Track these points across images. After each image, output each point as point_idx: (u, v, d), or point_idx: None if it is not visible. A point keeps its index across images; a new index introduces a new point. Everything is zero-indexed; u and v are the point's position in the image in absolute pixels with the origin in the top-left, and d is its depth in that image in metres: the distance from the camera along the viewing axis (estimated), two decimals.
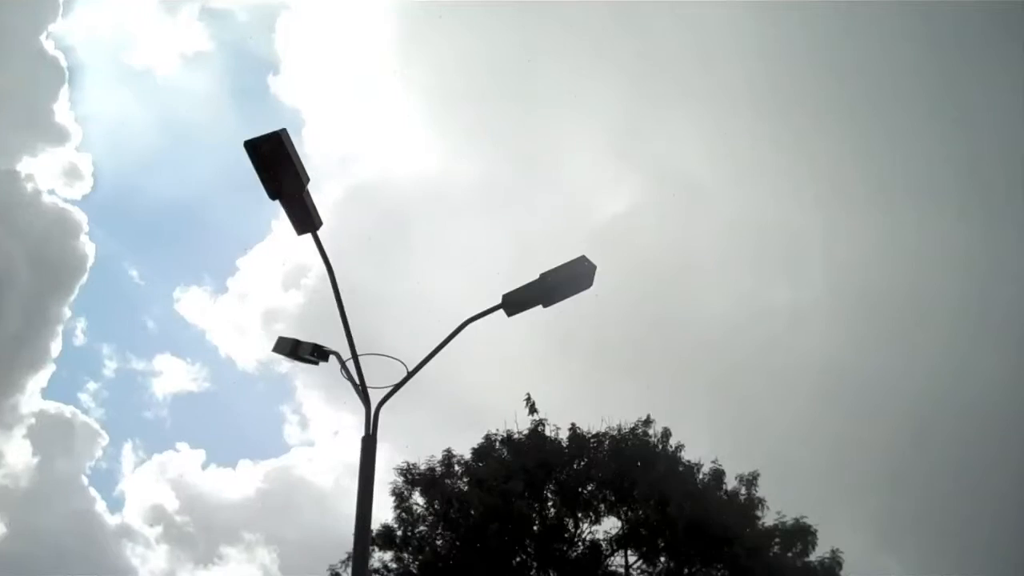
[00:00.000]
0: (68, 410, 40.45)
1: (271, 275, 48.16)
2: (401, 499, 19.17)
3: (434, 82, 42.40)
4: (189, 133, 46.30)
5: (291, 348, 8.24)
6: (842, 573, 17.54)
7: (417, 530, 19.12)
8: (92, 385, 49.55)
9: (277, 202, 6.99)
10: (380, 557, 18.92)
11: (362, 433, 7.56)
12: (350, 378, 7.78)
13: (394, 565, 18.87)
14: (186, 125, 46.00)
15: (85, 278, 38.40)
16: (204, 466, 46.80)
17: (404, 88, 43.42)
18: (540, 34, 39.35)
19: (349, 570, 14.87)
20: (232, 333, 48.63)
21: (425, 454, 19.77)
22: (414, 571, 18.54)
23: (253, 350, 45.69)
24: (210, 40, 46.68)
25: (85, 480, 40.81)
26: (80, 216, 37.59)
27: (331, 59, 45.17)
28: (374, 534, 18.13)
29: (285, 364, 42.04)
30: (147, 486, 42.99)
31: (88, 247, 38.35)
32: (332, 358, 8.16)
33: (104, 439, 41.14)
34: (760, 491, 18.65)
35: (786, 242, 41.60)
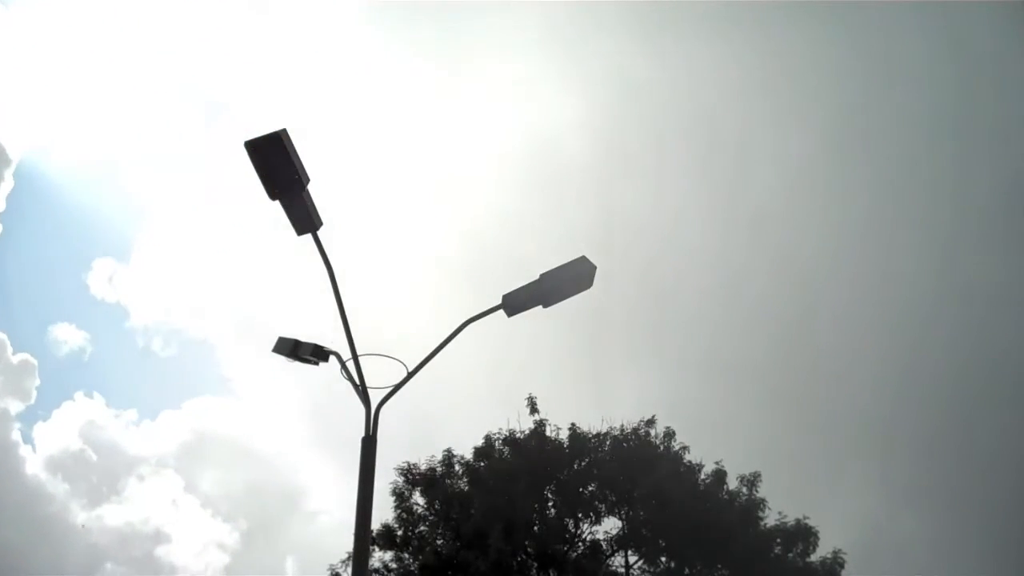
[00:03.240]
0: None
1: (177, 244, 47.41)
2: (401, 499, 19.19)
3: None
4: (103, 95, 45.20)
5: (291, 348, 8.22)
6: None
7: (417, 530, 19.13)
8: None
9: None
10: (380, 557, 18.97)
11: (362, 434, 7.57)
12: (350, 378, 7.77)
13: (394, 565, 18.89)
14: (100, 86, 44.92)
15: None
16: (116, 417, 46.59)
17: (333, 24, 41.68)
18: None
19: (349, 570, 14.86)
20: (142, 297, 48.42)
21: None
22: (414, 571, 18.54)
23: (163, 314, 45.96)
24: None
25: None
26: None
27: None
28: (374, 534, 18.14)
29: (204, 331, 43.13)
30: (56, 432, 42.86)
31: None
32: (332, 359, 8.16)
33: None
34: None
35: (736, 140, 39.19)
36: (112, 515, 36.60)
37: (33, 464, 38.61)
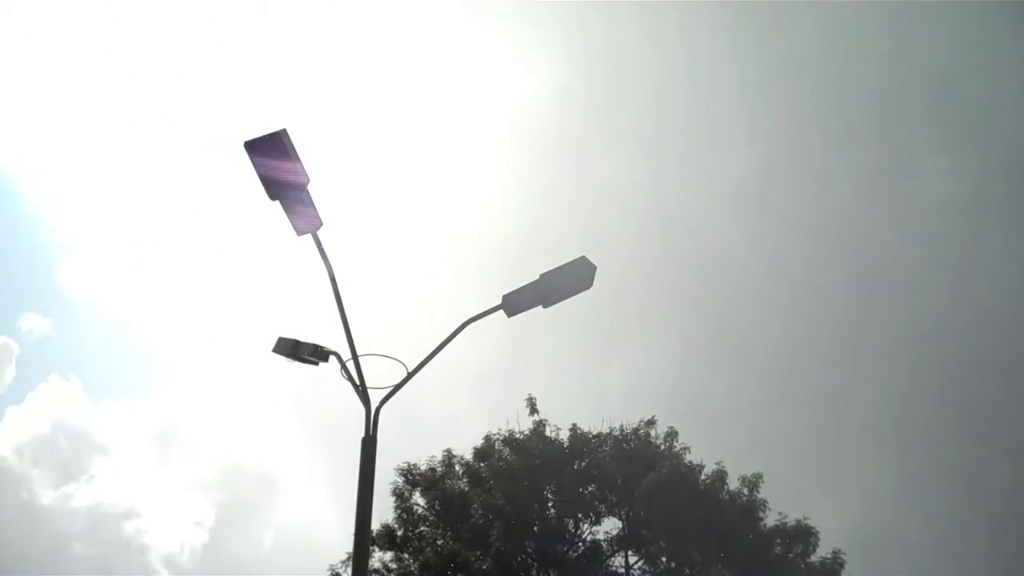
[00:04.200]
0: None
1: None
2: (401, 499, 19.18)
3: None
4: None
5: (291, 349, 8.20)
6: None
7: (417, 530, 19.13)
8: None
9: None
10: (380, 557, 18.95)
11: (362, 434, 7.57)
12: (350, 378, 7.77)
13: (394, 565, 18.89)
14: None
15: None
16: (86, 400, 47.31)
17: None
18: None
19: (349, 570, 14.86)
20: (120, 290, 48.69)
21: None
22: (414, 571, 18.54)
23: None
24: None
25: None
26: None
27: None
28: (374, 534, 18.14)
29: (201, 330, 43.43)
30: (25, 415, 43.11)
31: None
32: (332, 359, 8.14)
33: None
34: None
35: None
36: (83, 495, 37.05)
37: (2, 447, 38.95)
